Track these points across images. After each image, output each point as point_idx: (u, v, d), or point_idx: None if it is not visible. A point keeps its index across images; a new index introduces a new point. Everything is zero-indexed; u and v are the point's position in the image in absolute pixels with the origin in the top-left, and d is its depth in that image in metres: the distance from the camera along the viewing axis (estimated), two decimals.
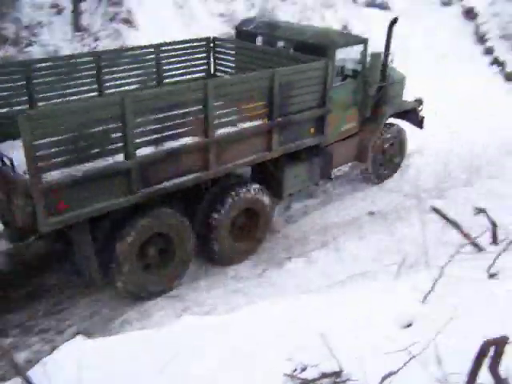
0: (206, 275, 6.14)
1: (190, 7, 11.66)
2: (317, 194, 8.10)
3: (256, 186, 6.55)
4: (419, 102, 9.02)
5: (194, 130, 5.67)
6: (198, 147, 5.73)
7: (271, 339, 3.12)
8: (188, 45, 7.85)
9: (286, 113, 6.53)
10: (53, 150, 4.69)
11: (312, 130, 6.96)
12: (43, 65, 6.67)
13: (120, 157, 5.15)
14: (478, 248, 3.92)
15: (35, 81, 6.52)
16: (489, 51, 15.86)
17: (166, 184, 5.57)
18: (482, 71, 15.09)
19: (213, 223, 6.21)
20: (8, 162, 5.05)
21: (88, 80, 6.93)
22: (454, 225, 4.03)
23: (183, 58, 7.76)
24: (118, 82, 7.12)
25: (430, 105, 8.90)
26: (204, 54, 7.99)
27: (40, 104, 6.56)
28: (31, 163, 4.52)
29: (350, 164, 8.11)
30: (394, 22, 8.52)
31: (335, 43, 7.32)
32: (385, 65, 8.38)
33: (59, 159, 4.76)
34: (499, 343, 2.14)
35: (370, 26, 15.46)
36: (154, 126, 5.35)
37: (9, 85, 6.32)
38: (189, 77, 7.82)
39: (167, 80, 7.59)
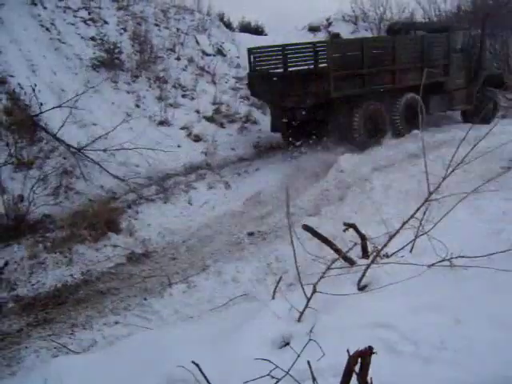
0: (86, 310, 5.80)
1: (58, 31, 11.21)
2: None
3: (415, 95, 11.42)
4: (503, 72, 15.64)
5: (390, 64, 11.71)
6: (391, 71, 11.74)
7: (142, 370, 2.99)
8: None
9: (431, 59, 12.44)
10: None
11: (442, 72, 12.93)
12: None
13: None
14: (350, 262, 4.05)
15: None
16: None
17: (378, 87, 11.38)
18: None
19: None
20: None
21: None
22: (325, 241, 4.14)
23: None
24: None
25: None
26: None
27: None
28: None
29: None
30: (486, 15, 15.73)
31: (452, 27, 13.89)
32: (481, 45, 14.22)
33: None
34: (365, 354, 2.19)
35: (244, 49, 15.87)
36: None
37: None
38: None
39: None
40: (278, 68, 11.15)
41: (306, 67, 10.94)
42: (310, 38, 19.44)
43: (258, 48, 11.92)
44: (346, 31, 19.15)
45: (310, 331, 2.97)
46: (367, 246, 4.48)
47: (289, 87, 10.74)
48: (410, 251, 4.42)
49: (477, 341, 3.02)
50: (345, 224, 4.46)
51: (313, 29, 20.14)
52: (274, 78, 11.05)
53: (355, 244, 3.88)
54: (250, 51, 11.56)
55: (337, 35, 15.19)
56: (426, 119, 10.56)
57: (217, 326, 4.12)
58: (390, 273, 3.82)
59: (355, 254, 4.82)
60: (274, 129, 11.56)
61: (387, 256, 4.28)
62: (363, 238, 4.35)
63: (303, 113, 10.93)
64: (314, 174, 9.30)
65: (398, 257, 4.27)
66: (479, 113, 12.49)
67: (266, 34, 22.12)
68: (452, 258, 3.96)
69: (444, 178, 3.90)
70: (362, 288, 3.65)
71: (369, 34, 18.75)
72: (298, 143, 10.83)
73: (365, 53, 11.07)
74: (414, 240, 4.30)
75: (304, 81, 10.64)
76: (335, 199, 8.01)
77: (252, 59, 11.50)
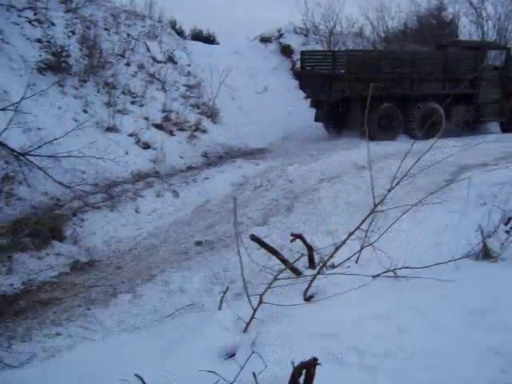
0: (25, 321, 5.57)
1: (1, 30, 10.83)
2: (142, 226, 7.94)
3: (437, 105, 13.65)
4: None
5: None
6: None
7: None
8: None
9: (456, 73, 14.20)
10: None
11: (470, 86, 14.29)
12: None
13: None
14: (297, 272, 4.07)
15: None
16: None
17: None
18: (300, 104, 16.19)
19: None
20: None
21: None
22: (272, 251, 4.14)
23: None
24: None
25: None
26: None
27: None
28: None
29: None
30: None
31: (487, 46, 15.98)
32: None
33: None
34: (309, 366, 2.19)
35: (195, 57, 15.84)
36: None
37: None
38: None
39: None
40: (322, 69, 14.50)
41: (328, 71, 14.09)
42: (262, 48, 19.66)
43: (308, 51, 16.36)
44: (296, 43, 19.40)
45: (253, 343, 2.96)
46: (314, 256, 4.52)
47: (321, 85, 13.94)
48: (356, 262, 4.49)
49: (419, 350, 3.09)
50: (292, 235, 4.49)
51: (264, 39, 20.30)
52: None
53: (302, 255, 3.91)
54: (303, 53, 15.49)
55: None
56: (447, 127, 12.88)
57: (163, 336, 4.06)
58: (335, 283, 3.86)
59: (302, 264, 4.87)
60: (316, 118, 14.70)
61: (333, 266, 4.33)
62: (310, 248, 4.39)
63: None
64: (264, 184, 9.34)
65: (344, 267, 4.32)
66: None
67: (217, 43, 22.17)
68: (396, 268, 4.05)
69: (389, 191, 3.99)
70: (308, 298, 3.68)
71: (319, 47, 19.05)
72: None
73: (383, 62, 13.78)
74: (360, 251, 4.37)
75: (329, 81, 13.66)
76: (284, 209, 8.05)
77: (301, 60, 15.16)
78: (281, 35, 20.20)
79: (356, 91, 12.83)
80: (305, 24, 20.55)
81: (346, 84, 13.11)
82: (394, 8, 23.33)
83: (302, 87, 15.40)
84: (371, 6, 22.88)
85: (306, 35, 20.31)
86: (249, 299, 3.32)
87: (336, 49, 18.89)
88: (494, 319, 3.38)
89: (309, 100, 15.37)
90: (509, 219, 5.02)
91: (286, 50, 19.23)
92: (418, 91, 13.94)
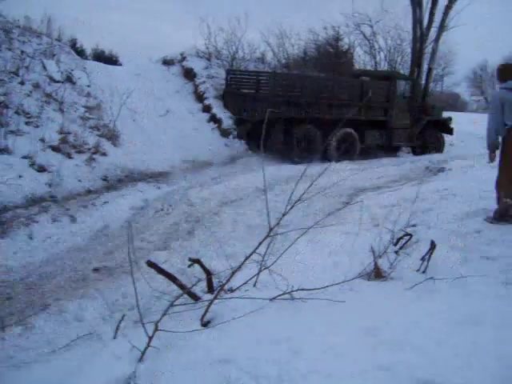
0: None
1: None
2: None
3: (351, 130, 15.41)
4: (450, 118, 18.72)
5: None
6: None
7: None
8: None
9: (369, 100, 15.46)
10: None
11: (383, 112, 16.43)
12: None
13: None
14: (195, 298, 4.06)
15: None
16: (207, 109, 17.24)
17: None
18: (202, 127, 16.29)
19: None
20: None
21: None
22: (169, 277, 4.11)
23: None
24: None
25: None
26: None
27: None
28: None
29: None
30: (429, 70, 20.19)
31: (396, 77, 17.48)
32: (424, 94, 18.58)
33: None
34: None
35: (95, 78, 15.49)
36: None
37: None
38: None
39: None
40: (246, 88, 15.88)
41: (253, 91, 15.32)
42: (165, 70, 19.60)
43: (234, 70, 17.62)
44: (199, 66, 19.54)
45: (148, 372, 2.91)
46: (212, 281, 4.53)
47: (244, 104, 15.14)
48: (254, 285, 4.55)
49: (313, 371, 3.17)
50: (190, 260, 4.47)
51: (167, 62, 20.30)
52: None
53: (199, 280, 3.91)
54: (228, 71, 17.16)
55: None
56: (360, 150, 15.67)
57: (56, 369, 3.87)
58: (233, 307, 3.89)
59: (202, 289, 4.86)
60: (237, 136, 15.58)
61: (232, 290, 4.36)
62: (208, 273, 4.39)
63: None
64: (165, 207, 9.26)
65: (242, 291, 4.37)
66: (425, 149, 17.73)
67: (120, 64, 21.85)
68: (292, 290, 4.15)
69: (283, 215, 4.09)
70: (205, 324, 3.67)
71: (222, 71, 19.29)
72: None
73: (304, 86, 14.74)
74: (258, 274, 4.43)
75: (254, 101, 14.78)
76: (184, 233, 8.01)
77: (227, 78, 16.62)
78: (184, 58, 20.28)
79: (278, 112, 13.50)
80: (207, 48, 20.84)
81: (269, 105, 13.68)
82: (293, 36, 24.28)
83: (226, 105, 16.35)
84: (272, 33, 23.59)
85: (208, 59, 20.54)
86: (144, 327, 3.25)
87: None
88: (385, 337, 3.54)
89: (212, 123, 15.60)
90: (398, 240, 5.32)
91: (189, 74, 19.32)
92: (335, 116, 14.91)
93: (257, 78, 15.57)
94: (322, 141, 14.63)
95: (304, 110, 14.44)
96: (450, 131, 18.54)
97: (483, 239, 5.81)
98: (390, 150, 17.72)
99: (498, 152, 6.59)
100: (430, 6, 23.85)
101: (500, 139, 6.53)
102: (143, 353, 3.16)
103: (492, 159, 6.68)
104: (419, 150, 17.87)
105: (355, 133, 15.61)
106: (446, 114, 19.70)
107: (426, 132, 17.91)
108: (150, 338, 3.15)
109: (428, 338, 3.49)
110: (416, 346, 3.40)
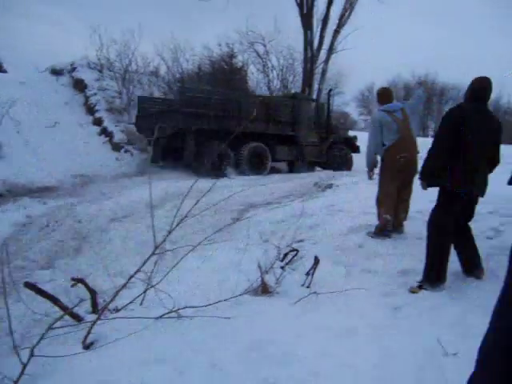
0: None
1: None
2: None
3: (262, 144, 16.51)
4: (355, 137, 20.16)
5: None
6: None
7: None
8: None
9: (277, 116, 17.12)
10: None
11: (290, 128, 17.58)
12: None
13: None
14: (78, 319, 3.89)
15: None
16: (98, 122, 16.77)
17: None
18: (93, 140, 15.80)
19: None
20: None
21: None
22: (50, 298, 3.92)
23: None
24: None
25: None
26: None
27: None
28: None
29: None
30: (329, 91, 20.00)
31: (299, 97, 18.62)
32: (328, 114, 19.11)
33: None
34: None
35: None
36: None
37: None
38: None
39: None
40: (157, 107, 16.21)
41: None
42: (53, 81, 18.84)
43: (144, 97, 17.50)
44: (90, 78, 19.03)
45: None
46: (97, 300, 4.38)
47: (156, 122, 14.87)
48: (141, 304, 4.45)
49: None
50: (72, 279, 4.29)
51: (56, 72, 19.57)
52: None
53: (81, 300, 3.75)
54: (139, 98, 16.94)
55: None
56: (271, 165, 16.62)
57: None
58: (117, 328, 3.78)
59: (87, 309, 4.67)
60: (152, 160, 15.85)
61: (117, 310, 4.24)
62: (92, 292, 4.24)
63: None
64: (51, 224, 8.84)
65: (128, 310, 4.26)
66: (332, 164, 18.75)
67: (5, 71, 20.68)
68: (179, 308, 4.11)
69: (169, 232, 4.05)
70: (88, 346, 3.52)
71: (114, 83, 18.91)
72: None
73: (213, 100, 15.33)
74: (144, 293, 4.34)
75: (164, 117, 14.97)
76: (71, 251, 7.69)
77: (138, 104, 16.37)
78: (74, 69, 19.67)
79: (189, 125, 14.56)
80: (99, 59, 20.32)
81: (180, 117, 14.53)
82: (188, 51, 24.35)
83: (140, 130, 16.38)
84: (166, 46, 23.48)
85: (100, 71, 20.06)
86: (17, 353, 3.07)
87: (131, 86, 19.07)
88: (270, 352, 3.61)
89: (103, 136, 15.20)
90: (284, 255, 5.46)
91: (79, 85, 18.77)
92: (244, 130, 15.55)
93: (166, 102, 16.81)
94: (233, 154, 15.69)
95: (212, 123, 15.10)
96: (355, 149, 19.68)
97: (365, 253, 6.12)
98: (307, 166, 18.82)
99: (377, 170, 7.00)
100: (320, 29, 25.05)
101: (379, 158, 6.95)
102: (16, 382, 2.97)
103: (371, 177, 7.09)
104: (328, 166, 18.92)
105: (266, 147, 16.65)
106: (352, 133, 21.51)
107: (334, 150, 19.12)
108: (25, 366, 2.97)
109: (312, 351, 3.61)
110: (299, 359, 3.50)
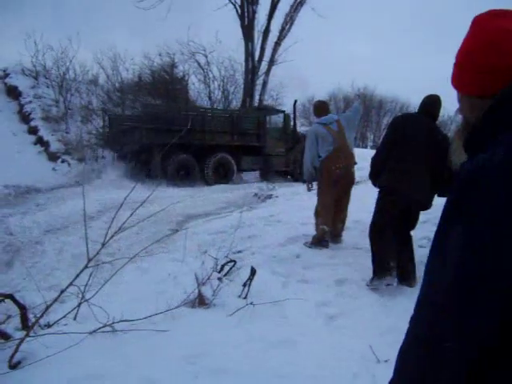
0: None
1: None
2: None
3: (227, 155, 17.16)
4: None
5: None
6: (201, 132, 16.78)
7: None
8: None
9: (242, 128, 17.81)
10: None
11: (256, 139, 18.18)
12: None
13: None
14: (5, 337, 3.74)
15: None
16: (33, 131, 16.26)
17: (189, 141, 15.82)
18: (27, 150, 15.30)
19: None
20: None
21: None
22: None
23: None
24: None
25: None
26: None
27: None
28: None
29: None
30: (295, 102, 19.58)
31: (266, 109, 20.15)
32: (294, 124, 19.64)
33: None
34: None
35: None
36: None
37: None
38: None
39: None
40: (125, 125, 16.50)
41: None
42: None
43: (114, 114, 18.06)
44: (25, 85, 18.46)
45: None
46: (27, 316, 4.22)
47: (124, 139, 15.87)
48: (75, 319, 4.34)
49: None
50: (0, 295, 4.13)
51: None
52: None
53: (9, 316, 3.61)
54: (109, 116, 17.38)
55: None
56: (237, 174, 17.36)
57: None
58: (48, 344, 3.65)
59: (17, 326, 4.50)
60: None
61: (49, 326, 4.11)
62: (22, 308, 4.09)
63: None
64: None
65: (60, 325, 4.13)
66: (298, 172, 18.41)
67: None
68: (114, 322, 4.02)
69: (103, 245, 3.98)
70: (15, 365, 3.39)
71: (50, 91, 18.42)
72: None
73: (175, 115, 16.08)
74: (78, 307, 4.24)
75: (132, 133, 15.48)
76: (2, 265, 7.40)
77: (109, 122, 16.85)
78: (7, 75, 19.01)
79: (152, 139, 15.19)
80: (34, 66, 19.73)
81: (144, 132, 15.16)
82: (128, 60, 24.03)
83: (111, 147, 16.91)
84: (105, 55, 23.08)
85: (35, 78, 19.46)
86: None
87: (69, 94, 18.67)
88: (206, 364, 3.59)
89: (38, 146, 14.82)
90: (222, 266, 5.46)
91: (13, 92, 18.14)
92: (209, 142, 16.77)
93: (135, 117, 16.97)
94: (198, 167, 16.40)
95: (177, 137, 15.27)
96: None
97: (302, 263, 6.20)
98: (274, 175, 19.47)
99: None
100: (260, 41, 25.33)
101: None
102: None
103: (309, 188, 7.22)
104: (295, 176, 19.28)
105: (231, 158, 17.33)
106: None
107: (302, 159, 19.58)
108: None
109: (248, 362, 3.61)
110: (235, 371, 3.50)
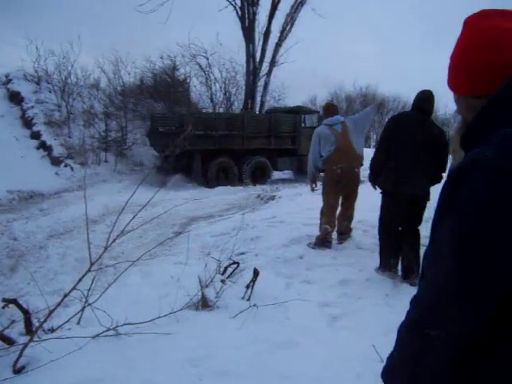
0: None
1: None
2: None
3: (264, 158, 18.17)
4: None
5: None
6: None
7: None
8: None
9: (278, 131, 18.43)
10: None
11: (290, 142, 18.83)
12: None
13: None
14: (9, 342, 3.75)
15: None
16: (36, 135, 16.29)
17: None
18: (30, 154, 15.34)
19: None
20: None
21: None
22: None
23: None
24: None
25: None
26: None
27: None
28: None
29: None
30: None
31: (302, 111, 19.90)
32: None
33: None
34: None
35: None
36: None
37: None
38: None
39: None
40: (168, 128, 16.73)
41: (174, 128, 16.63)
42: None
43: (157, 115, 18.13)
44: (27, 90, 18.48)
45: None
46: (31, 321, 4.23)
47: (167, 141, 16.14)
48: (78, 323, 4.34)
49: None
50: (4, 300, 4.14)
51: None
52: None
53: (13, 321, 3.62)
54: (152, 116, 17.76)
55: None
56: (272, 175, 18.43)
57: None
58: (52, 349, 3.65)
59: (21, 331, 4.51)
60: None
61: (53, 330, 4.11)
62: (25, 313, 4.10)
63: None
64: None
65: (64, 330, 4.14)
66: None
67: None
68: (117, 326, 4.03)
69: (106, 248, 3.99)
70: (19, 370, 3.40)
71: (52, 96, 18.43)
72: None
73: (217, 122, 16.92)
74: (82, 311, 4.24)
75: (173, 138, 15.76)
76: (6, 270, 7.42)
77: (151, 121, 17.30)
78: (9, 80, 19.05)
79: (195, 146, 16.19)
80: (36, 71, 19.76)
81: (187, 139, 15.85)
82: (129, 63, 24.06)
83: (152, 145, 17.74)
84: (107, 59, 23.11)
85: (37, 83, 19.50)
86: None
87: (71, 99, 18.68)
88: (210, 366, 3.59)
89: (41, 150, 14.85)
90: (225, 268, 5.46)
91: (15, 97, 18.17)
92: (247, 146, 17.58)
93: (179, 118, 17.15)
94: (237, 170, 17.27)
95: (217, 143, 16.65)
96: None
97: (305, 264, 6.20)
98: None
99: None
100: (261, 42, 25.33)
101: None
102: None
103: (313, 189, 7.23)
104: None
105: (267, 160, 18.20)
106: None
107: None
108: None
109: (251, 364, 3.61)
110: (239, 373, 3.50)
